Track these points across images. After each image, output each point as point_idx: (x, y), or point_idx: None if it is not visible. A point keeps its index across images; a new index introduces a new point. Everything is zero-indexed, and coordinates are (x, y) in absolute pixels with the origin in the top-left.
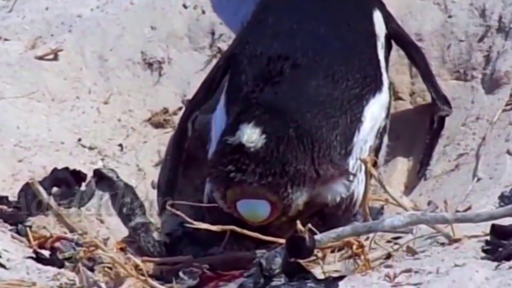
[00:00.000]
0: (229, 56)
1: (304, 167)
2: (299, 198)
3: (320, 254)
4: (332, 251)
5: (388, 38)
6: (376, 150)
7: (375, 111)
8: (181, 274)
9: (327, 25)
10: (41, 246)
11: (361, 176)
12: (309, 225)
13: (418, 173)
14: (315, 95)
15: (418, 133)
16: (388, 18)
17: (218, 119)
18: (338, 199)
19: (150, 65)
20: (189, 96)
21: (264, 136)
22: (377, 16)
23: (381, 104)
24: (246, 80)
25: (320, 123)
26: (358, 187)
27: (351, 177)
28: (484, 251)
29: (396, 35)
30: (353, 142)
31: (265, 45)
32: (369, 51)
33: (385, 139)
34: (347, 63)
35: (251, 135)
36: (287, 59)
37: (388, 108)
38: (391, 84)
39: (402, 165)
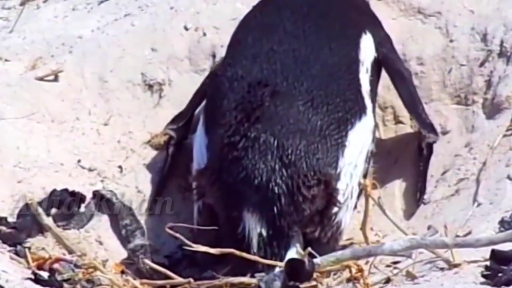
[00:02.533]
0: (210, 76)
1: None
2: None
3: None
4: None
5: (377, 62)
6: (365, 174)
7: (361, 135)
8: None
9: (308, 48)
10: (40, 267)
11: (350, 203)
12: (309, 249)
13: (418, 201)
14: (294, 123)
15: (416, 157)
16: (381, 42)
17: (198, 139)
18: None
19: (150, 86)
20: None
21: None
22: (366, 39)
23: (366, 128)
24: (228, 107)
25: (301, 152)
26: (346, 215)
27: (338, 203)
28: (483, 276)
29: (384, 61)
30: (338, 167)
31: (245, 68)
32: (349, 76)
33: (371, 162)
34: (327, 88)
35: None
36: (266, 86)
37: (374, 132)
38: (375, 108)
39: (400, 189)
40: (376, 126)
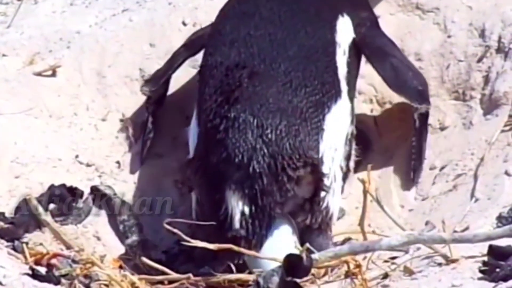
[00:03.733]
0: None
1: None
2: None
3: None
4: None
5: (355, 44)
6: (348, 157)
7: (338, 118)
8: None
9: (284, 32)
10: (38, 262)
11: (336, 187)
12: (307, 244)
13: (413, 179)
14: (274, 102)
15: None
16: (361, 23)
17: (191, 132)
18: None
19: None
20: (188, 113)
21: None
22: (343, 22)
23: (343, 111)
24: (209, 93)
25: (283, 132)
26: (333, 199)
27: (325, 187)
28: (481, 271)
29: (362, 42)
30: (320, 151)
31: (223, 54)
32: (326, 59)
33: (353, 145)
34: (304, 70)
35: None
36: (244, 68)
37: (352, 114)
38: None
39: (397, 185)
40: (353, 108)
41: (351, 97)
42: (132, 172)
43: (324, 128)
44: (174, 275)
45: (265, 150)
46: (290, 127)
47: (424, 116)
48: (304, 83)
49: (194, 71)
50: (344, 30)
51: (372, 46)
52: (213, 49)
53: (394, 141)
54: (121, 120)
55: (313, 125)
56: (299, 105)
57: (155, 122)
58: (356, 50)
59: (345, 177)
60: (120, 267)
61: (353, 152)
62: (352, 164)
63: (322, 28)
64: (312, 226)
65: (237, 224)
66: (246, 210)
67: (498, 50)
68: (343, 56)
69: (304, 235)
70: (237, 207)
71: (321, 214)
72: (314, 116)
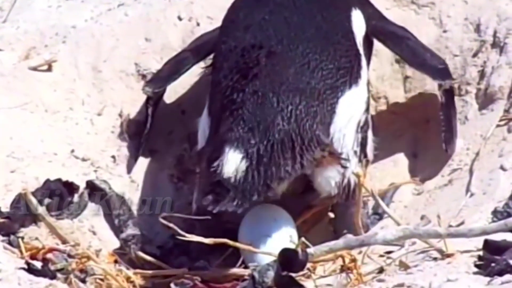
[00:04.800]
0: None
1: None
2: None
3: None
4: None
5: (368, 36)
6: (362, 145)
7: (351, 104)
8: (172, 286)
9: (300, 16)
10: (33, 257)
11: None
12: (303, 239)
13: (446, 150)
14: (293, 82)
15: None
16: (370, 16)
17: (202, 122)
18: (333, 185)
19: (144, 76)
20: (184, 108)
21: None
22: (357, 14)
23: (358, 98)
24: (223, 75)
25: (302, 113)
26: (351, 176)
27: (343, 163)
28: (476, 266)
29: (375, 32)
30: (330, 134)
31: (238, 39)
32: (346, 43)
33: (370, 134)
34: (322, 52)
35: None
36: (261, 48)
37: (367, 103)
38: (368, 82)
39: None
40: (369, 97)
41: (367, 86)
42: (128, 168)
43: (336, 112)
44: (169, 269)
45: (284, 127)
46: (309, 108)
47: (449, 92)
48: (321, 66)
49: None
50: (358, 21)
51: (386, 31)
52: (226, 37)
53: (390, 135)
54: (120, 115)
55: (328, 107)
56: (316, 87)
57: (153, 122)
58: (369, 43)
59: (362, 164)
60: (116, 261)
61: (369, 141)
62: (370, 154)
63: (338, 15)
64: (342, 201)
65: (232, 179)
66: (243, 167)
67: (494, 44)
68: (359, 45)
69: (337, 212)
70: (236, 163)
71: (342, 189)
72: (330, 98)
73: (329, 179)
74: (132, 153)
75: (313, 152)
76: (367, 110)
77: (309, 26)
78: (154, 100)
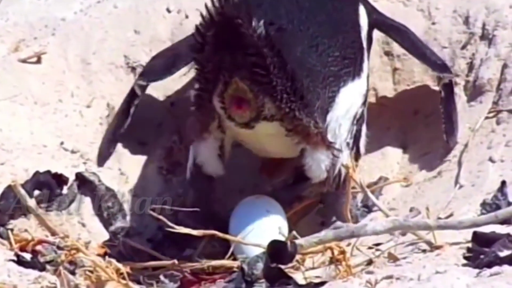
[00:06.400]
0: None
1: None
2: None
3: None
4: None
5: (370, 31)
6: (356, 138)
7: (351, 95)
8: (162, 277)
9: (311, 1)
10: (23, 249)
11: (343, 156)
12: (294, 232)
13: (447, 142)
14: (301, 58)
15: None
16: (371, 11)
17: None
18: (323, 169)
19: (133, 69)
20: (173, 100)
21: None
22: (361, 9)
23: (358, 90)
24: None
25: (309, 85)
26: (342, 167)
27: (335, 152)
28: (465, 258)
29: (377, 24)
30: (327, 121)
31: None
32: (353, 35)
33: (364, 128)
34: (330, 38)
35: None
36: (272, 24)
37: (365, 97)
38: (368, 76)
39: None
40: (367, 91)
41: (367, 80)
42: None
43: (336, 101)
44: (158, 261)
45: (287, 103)
46: (314, 88)
47: (449, 87)
48: (328, 52)
49: None
50: (363, 16)
51: (388, 24)
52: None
53: (379, 128)
54: (108, 105)
55: (329, 93)
56: (321, 71)
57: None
58: (369, 40)
59: (353, 157)
60: (105, 253)
61: (363, 134)
62: (362, 148)
63: (347, 7)
64: (330, 190)
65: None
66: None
67: (482, 37)
68: (364, 40)
69: (327, 200)
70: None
71: (332, 177)
72: (332, 86)
73: (319, 162)
74: (106, 146)
75: (308, 131)
76: (364, 103)
77: (320, 12)
78: (139, 100)
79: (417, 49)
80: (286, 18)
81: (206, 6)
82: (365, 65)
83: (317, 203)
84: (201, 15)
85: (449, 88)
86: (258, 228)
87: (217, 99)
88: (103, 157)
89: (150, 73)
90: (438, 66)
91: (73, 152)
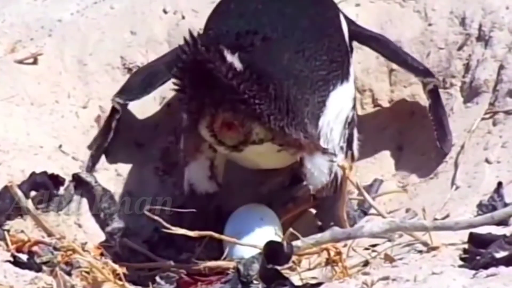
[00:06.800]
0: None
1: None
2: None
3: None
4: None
5: (350, 40)
6: (349, 141)
7: (341, 99)
8: (158, 279)
9: (293, 8)
10: (19, 250)
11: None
12: (291, 229)
13: (441, 148)
14: (288, 66)
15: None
16: (350, 22)
17: None
18: (325, 172)
19: (129, 70)
20: (170, 101)
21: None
22: (342, 16)
23: (347, 93)
24: None
25: (296, 94)
26: (338, 170)
27: (331, 157)
28: (461, 259)
29: (356, 35)
30: (318, 126)
31: (231, 25)
32: (338, 38)
33: (355, 132)
34: (316, 43)
35: None
36: (256, 33)
37: (354, 100)
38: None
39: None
40: (355, 94)
41: (354, 83)
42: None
43: (326, 105)
44: (154, 262)
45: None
46: (303, 95)
47: (434, 92)
48: (315, 56)
49: None
50: (344, 23)
51: (367, 34)
52: (215, 24)
53: (375, 129)
54: (100, 107)
55: (318, 98)
56: (309, 76)
57: (115, 135)
58: (350, 47)
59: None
60: (101, 254)
61: (355, 138)
62: (356, 152)
63: (329, 11)
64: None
65: None
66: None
67: (479, 38)
68: (348, 43)
69: (323, 205)
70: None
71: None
72: (322, 90)
73: (320, 166)
74: (89, 162)
75: (299, 142)
76: (354, 107)
77: (303, 17)
78: (120, 115)
79: (398, 56)
80: (270, 27)
81: (180, 48)
82: (351, 69)
83: (310, 207)
84: (177, 56)
85: (435, 93)
86: (252, 235)
87: (206, 130)
88: (86, 170)
89: (128, 92)
90: (421, 71)
91: (69, 153)
